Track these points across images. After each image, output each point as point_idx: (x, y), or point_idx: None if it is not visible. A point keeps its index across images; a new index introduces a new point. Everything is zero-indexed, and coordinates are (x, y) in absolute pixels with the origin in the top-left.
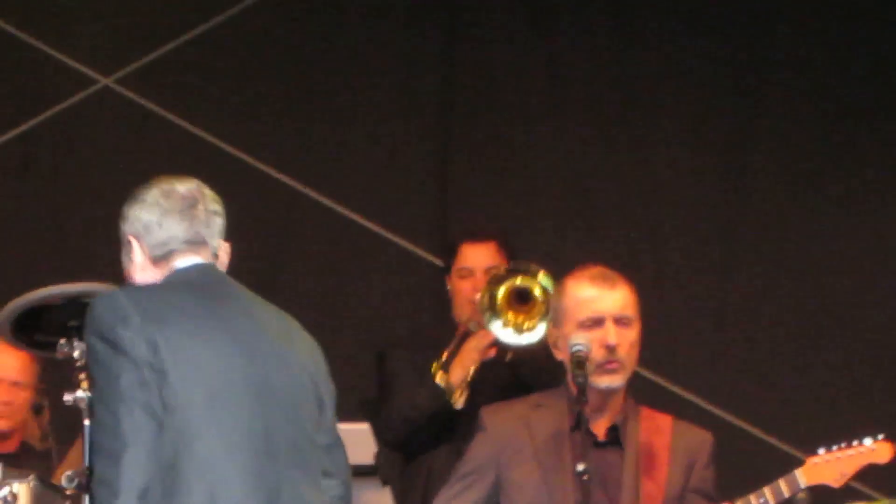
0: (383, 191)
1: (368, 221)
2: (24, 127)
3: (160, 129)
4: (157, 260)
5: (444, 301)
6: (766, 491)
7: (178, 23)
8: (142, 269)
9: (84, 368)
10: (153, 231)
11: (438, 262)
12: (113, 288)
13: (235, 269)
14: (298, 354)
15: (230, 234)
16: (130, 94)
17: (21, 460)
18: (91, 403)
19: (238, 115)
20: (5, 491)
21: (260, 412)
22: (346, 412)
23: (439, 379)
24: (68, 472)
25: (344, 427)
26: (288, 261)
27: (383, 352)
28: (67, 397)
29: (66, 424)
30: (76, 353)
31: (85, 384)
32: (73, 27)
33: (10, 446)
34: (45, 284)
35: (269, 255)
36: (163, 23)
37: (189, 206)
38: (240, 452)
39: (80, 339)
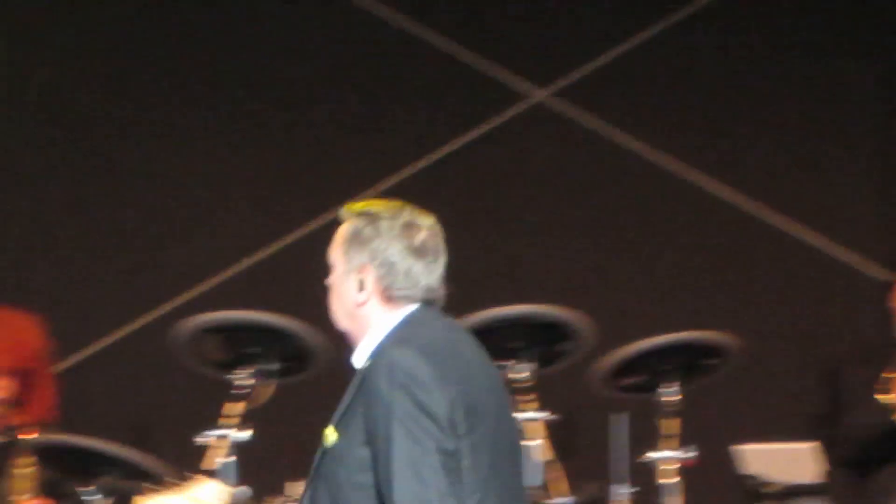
0: (822, 202)
1: (808, 233)
2: (455, 145)
3: (593, 143)
4: (392, 299)
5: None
6: None
7: (610, 35)
8: (366, 303)
9: (527, 390)
10: (397, 267)
11: (878, 274)
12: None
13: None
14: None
15: (663, 248)
16: (564, 109)
17: None
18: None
19: (676, 128)
20: None
21: (512, 472)
22: (792, 430)
23: (884, 397)
24: None
25: (791, 446)
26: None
27: (834, 367)
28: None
29: None
30: (520, 375)
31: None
32: (505, 41)
33: None
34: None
35: (711, 267)
36: (594, 35)
37: (434, 248)
38: None
39: (523, 360)
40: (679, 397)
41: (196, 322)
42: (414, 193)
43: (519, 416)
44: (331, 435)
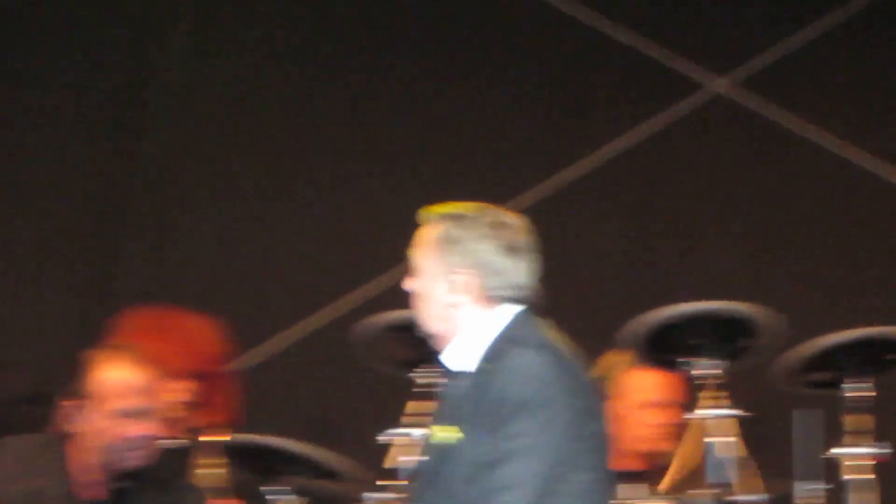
0: None
1: None
2: (633, 138)
3: (775, 135)
4: (486, 299)
5: None
6: None
7: (794, 21)
8: (461, 304)
9: (706, 387)
10: (490, 266)
11: None
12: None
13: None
14: None
15: (850, 242)
16: (745, 99)
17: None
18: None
19: (865, 119)
20: None
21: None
22: None
23: None
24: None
25: None
26: None
27: None
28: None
29: None
30: (711, 372)
31: (708, 402)
32: (683, 29)
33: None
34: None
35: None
36: (776, 22)
37: (524, 246)
38: None
39: (709, 357)
40: (869, 393)
41: (379, 320)
42: (592, 187)
43: (708, 413)
44: (450, 434)
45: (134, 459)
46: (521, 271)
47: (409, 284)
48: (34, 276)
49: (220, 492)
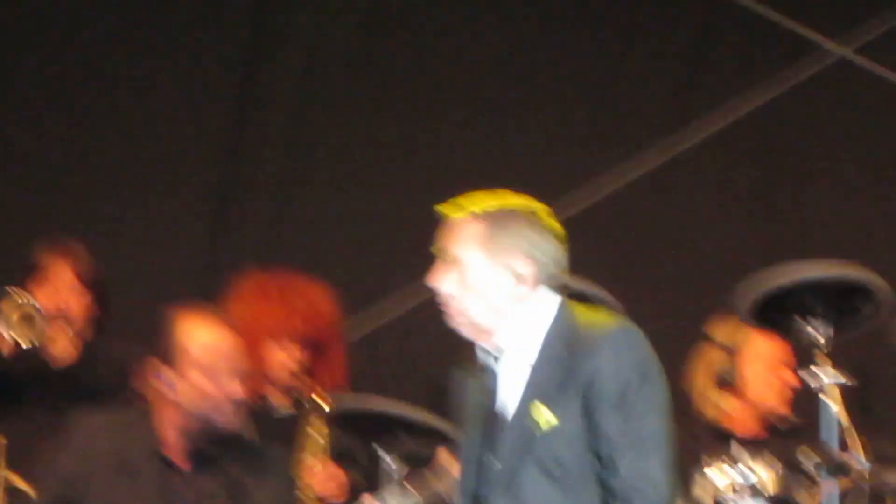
0: None
1: None
2: (753, 103)
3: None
4: (539, 286)
5: None
6: None
7: None
8: (518, 294)
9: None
10: (545, 254)
11: None
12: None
13: None
14: None
15: None
16: (868, 64)
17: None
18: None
19: None
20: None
21: None
22: None
23: None
24: (815, 459)
25: None
26: None
27: None
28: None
29: None
30: (819, 338)
31: (829, 370)
32: None
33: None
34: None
35: None
36: None
37: (560, 233)
38: None
39: (824, 324)
40: None
41: None
42: (712, 152)
43: (823, 377)
44: (545, 417)
45: (223, 423)
46: (560, 256)
47: (442, 282)
48: (158, 239)
49: (325, 458)
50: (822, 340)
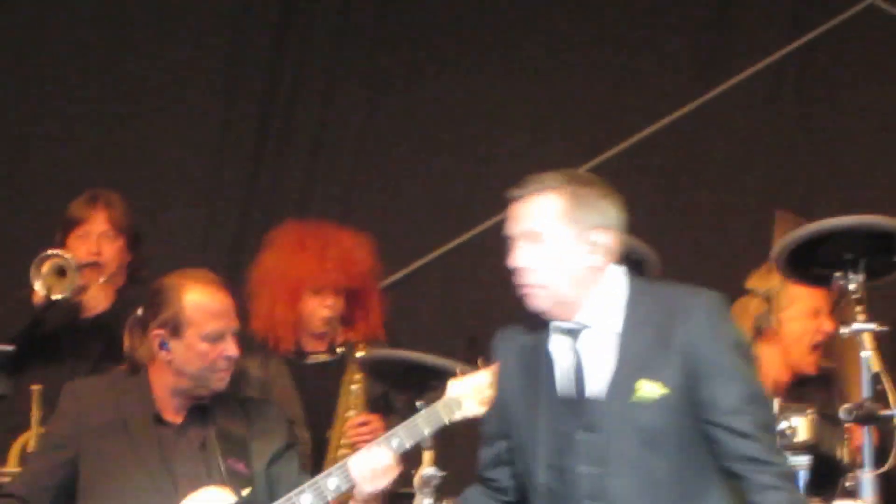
0: None
1: None
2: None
3: None
4: (614, 257)
5: None
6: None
7: None
8: (599, 265)
9: (853, 301)
10: (619, 225)
11: None
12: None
13: None
14: None
15: None
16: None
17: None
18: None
19: None
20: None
21: None
22: None
23: None
24: (847, 406)
25: None
26: None
27: None
28: (844, 330)
29: None
30: (852, 286)
31: (861, 317)
32: None
33: None
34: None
35: None
36: None
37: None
38: None
39: (856, 272)
40: None
41: None
42: (745, 99)
43: (862, 326)
44: (647, 388)
45: (219, 381)
46: (624, 226)
47: (523, 258)
48: (196, 189)
49: (361, 406)
50: (855, 287)
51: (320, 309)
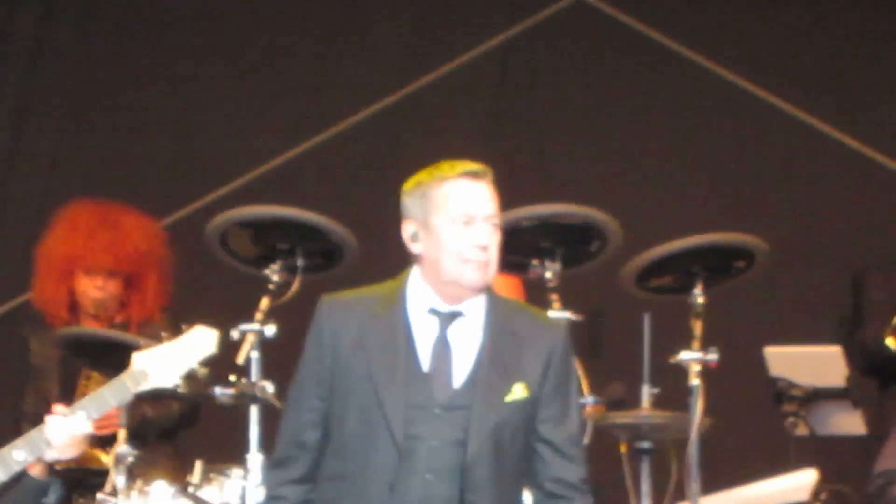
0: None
1: (847, 137)
2: (494, 41)
3: (629, 41)
4: None
5: None
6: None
7: None
8: None
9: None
10: None
11: None
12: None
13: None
14: None
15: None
16: (604, 7)
17: None
18: None
19: (710, 27)
20: None
21: None
22: (821, 334)
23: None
24: None
25: (816, 350)
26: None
27: (859, 274)
28: None
29: None
30: (548, 275)
31: (557, 305)
32: None
33: None
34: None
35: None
36: None
37: None
38: None
39: (553, 260)
40: (702, 299)
41: (228, 217)
42: (446, 92)
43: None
44: (522, 389)
45: None
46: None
47: (493, 238)
48: None
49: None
50: (551, 276)
51: (91, 289)
